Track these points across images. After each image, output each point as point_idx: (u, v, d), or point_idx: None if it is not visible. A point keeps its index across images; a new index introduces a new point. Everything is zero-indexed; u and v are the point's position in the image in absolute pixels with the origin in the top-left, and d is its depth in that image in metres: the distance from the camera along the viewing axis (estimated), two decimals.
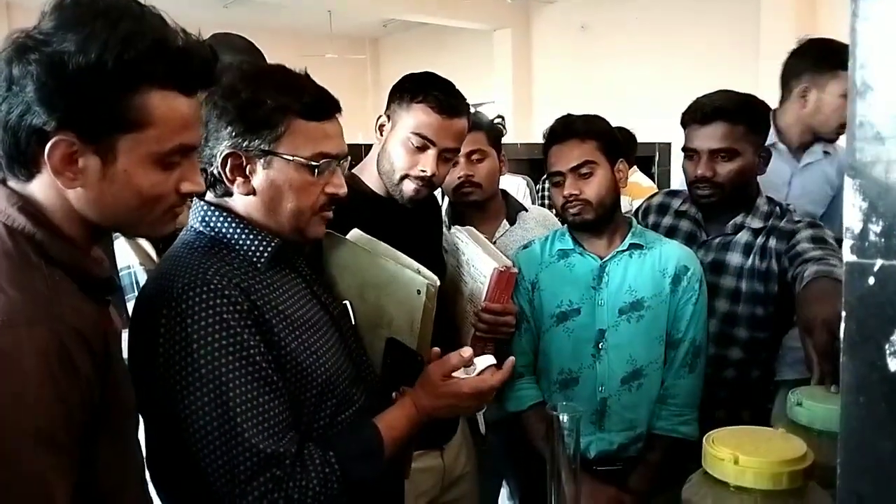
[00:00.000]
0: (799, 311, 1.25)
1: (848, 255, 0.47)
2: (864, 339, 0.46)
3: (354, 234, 1.33)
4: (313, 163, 1.04)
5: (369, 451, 1.04)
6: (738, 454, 0.81)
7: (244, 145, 1.02)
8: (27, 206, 0.78)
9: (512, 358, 1.24)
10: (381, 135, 1.52)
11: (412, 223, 1.56)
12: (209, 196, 1.09)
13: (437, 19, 7.39)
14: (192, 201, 1.35)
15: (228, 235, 1.04)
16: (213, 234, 1.04)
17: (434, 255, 1.67)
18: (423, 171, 1.45)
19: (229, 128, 1.02)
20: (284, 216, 1.06)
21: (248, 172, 1.03)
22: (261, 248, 1.04)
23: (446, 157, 1.49)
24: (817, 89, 1.95)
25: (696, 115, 1.62)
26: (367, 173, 1.54)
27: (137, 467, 0.92)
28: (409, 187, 1.47)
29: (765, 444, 0.85)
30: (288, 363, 1.00)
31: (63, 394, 0.70)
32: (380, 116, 1.53)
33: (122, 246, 1.45)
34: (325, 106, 1.07)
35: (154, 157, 0.81)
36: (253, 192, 1.04)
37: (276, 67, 1.09)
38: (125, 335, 0.99)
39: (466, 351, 1.16)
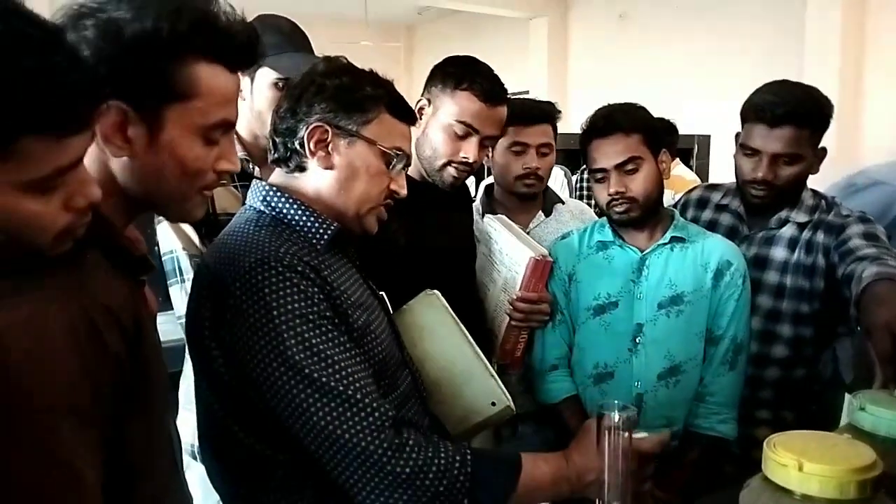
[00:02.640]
0: (861, 314, 1.21)
1: None
2: None
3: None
4: (393, 152, 1.10)
5: (506, 466, 0.99)
6: (802, 460, 0.77)
7: (335, 121, 1.07)
8: None
9: (668, 431, 1.19)
10: (421, 118, 1.49)
11: (446, 208, 1.54)
12: (275, 177, 1.13)
13: (472, 7, 7.31)
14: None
15: (289, 216, 1.06)
16: (273, 213, 1.06)
17: (466, 240, 1.66)
18: (466, 158, 1.44)
19: (324, 104, 1.07)
20: (353, 197, 1.09)
21: (330, 148, 1.07)
22: (321, 231, 1.06)
23: (486, 143, 1.48)
24: None
25: (766, 114, 1.50)
26: None
27: (168, 445, 0.91)
28: (450, 173, 1.47)
29: (830, 450, 0.80)
30: (357, 339, 1.01)
31: (92, 370, 0.70)
32: (419, 100, 1.51)
33: (164, 230, 1.43)
34: (408, 109, 1.15)
35: (198, 130, 0.81)
36: (331, 167, 1.08)
37: (369, 70, 1.15)
38: (161, 318, 0.98)
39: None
